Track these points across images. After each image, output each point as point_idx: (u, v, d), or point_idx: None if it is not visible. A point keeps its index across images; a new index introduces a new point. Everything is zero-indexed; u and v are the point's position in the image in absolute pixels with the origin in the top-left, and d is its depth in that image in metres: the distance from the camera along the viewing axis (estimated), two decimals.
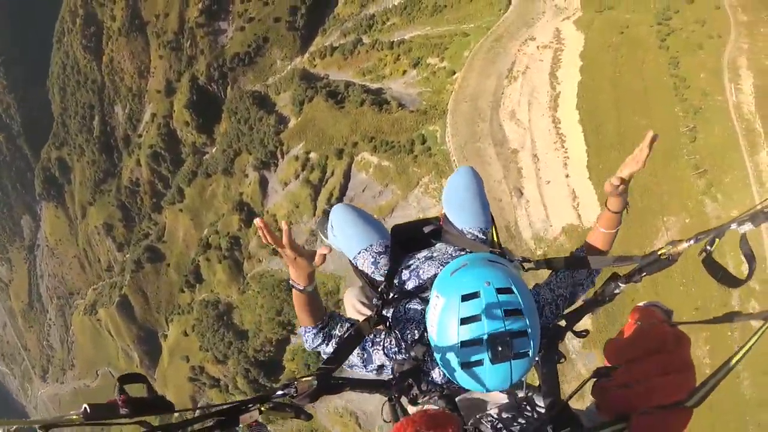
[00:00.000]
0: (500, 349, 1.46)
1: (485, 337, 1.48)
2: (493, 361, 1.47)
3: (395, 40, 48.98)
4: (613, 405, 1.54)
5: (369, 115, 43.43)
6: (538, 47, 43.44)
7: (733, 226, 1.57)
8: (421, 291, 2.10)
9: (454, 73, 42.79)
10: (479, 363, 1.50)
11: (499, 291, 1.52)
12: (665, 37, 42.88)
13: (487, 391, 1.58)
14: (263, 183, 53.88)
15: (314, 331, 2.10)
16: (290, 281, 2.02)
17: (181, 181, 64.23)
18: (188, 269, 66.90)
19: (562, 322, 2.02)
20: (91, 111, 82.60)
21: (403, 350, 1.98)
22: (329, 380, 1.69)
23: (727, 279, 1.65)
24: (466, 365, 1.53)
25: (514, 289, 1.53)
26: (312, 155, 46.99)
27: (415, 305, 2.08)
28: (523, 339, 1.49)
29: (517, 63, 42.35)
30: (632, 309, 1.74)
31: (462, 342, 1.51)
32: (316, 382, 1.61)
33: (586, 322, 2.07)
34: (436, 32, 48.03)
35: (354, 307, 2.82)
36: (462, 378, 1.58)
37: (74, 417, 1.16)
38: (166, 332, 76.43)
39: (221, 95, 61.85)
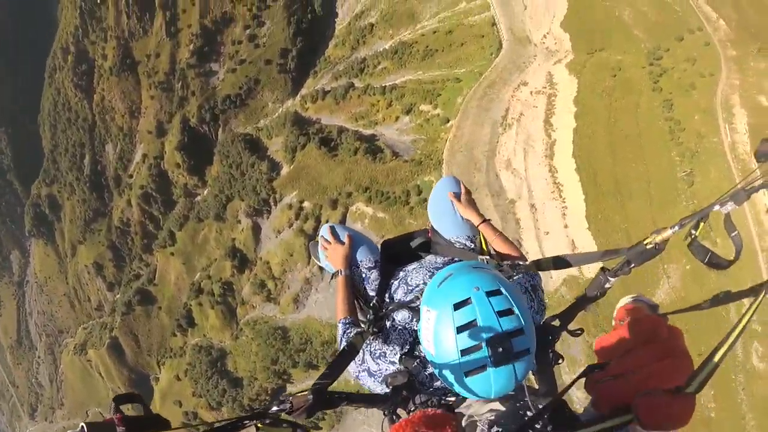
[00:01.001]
0: (501, 350, 1.46)
1: (484, 341, 1.48)
2: (495, 363, 1.47)
3: (387, 84, 48.68)
4: (608, 397, 1.50)
5: (363, 164, 42.72)
6: (531, 93, 43.23)
7: (716, 207, 1.54)
8: (410, 300, 2.10)
9: (448, 120, 42.37)
10: (482, 368, 1.50)
11: (489, 294, 1.52)
12: (657, 78, 42.81)
13: (494, 396, 1.57)
14: (256, 230, 52.88)
15: (342, 323, 2.29)
16: (333, 274, 2.53)
17: (172, 224, 63.07)
18: (180, 313, 65.34)
19: (556, 322, 2.00)
20: (81, 149, 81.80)
21: (393, 362, 2.00)
22: (325, 395, 1.70)
23: (714, 261, 1.62)
24: (470, 373, 1.51)
25: (503, 290, 1.54)
26: (306, 204, 46.08)
27: (403, 315, 2.07)
28: (521, 337, 1.50)
29: (511, 110, 42.03)
30: (617, 310, 1.67)
31: (462, 350, 1.50)
32: (311, 397, 1.62)
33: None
34: (428, 77, 47.85)
35: None
36: (466, 387, 1.56)
37: None
38: (157, 375, 74.46)
39: (212, 137, 61.22)
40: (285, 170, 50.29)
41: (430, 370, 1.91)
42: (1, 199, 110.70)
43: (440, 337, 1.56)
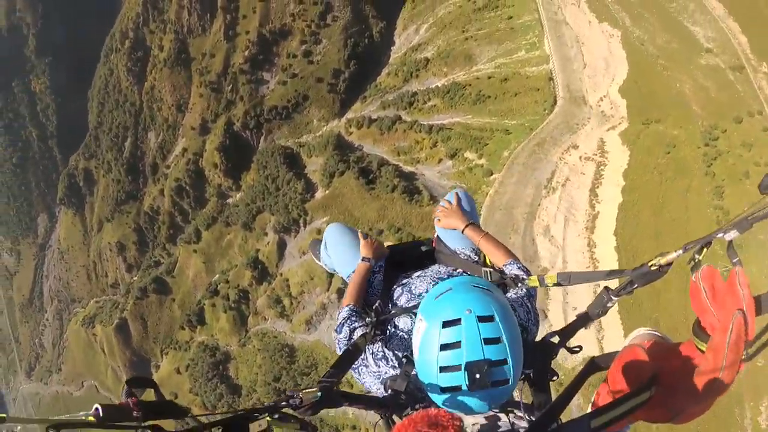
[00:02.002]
0: (478, 377, 1.47)
1: (463, 364, 1.49)
2: (470, 388, 1.49)
3: (434, 124, 48.37)
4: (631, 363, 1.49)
5: (398, 204, 42.39)
6: (580, 158, 42.31)
7: (720, 234, 1.59)
8: (412, 307, 2.13)
9: (491, 173, 41.75)
10: (457, 388, 1.52)
11: (481, 319, 1.52)
12: (711, 161, 41.51)
13: (464, 414, 1.59)
14: (281, 246, 53.06)
15: (348, 309, 2.30)
16: (362, 258, 2.57)
17: (200, 223, 63.91)
18: (192, 309, 65.85)
19: (555, 339, 1.99)
20: (124, 132, 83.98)
21: (394, 366, 2.02)
22: (332, 393, 1.72)
23: None
24: (445, 390, 1.54)
25: (497, 317, 1.53)
26: None
27: (405, 322, 2.11)
28: (503, 367, 1.50)
29: (557, 173, 41.17)
30: (617, 358, 1.65)
31: (441, 367, 1.53)
32: (320, 394, 1.63)
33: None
34: (476, 123, 47.36)
35: None
36: (440, 401, 1.59)
37: (85, 418, 1.15)
38: (159, 363, 75.10)
39: (254, 144, 62.00)
40: (320, 193, 50.40)
41: None
42: (39, 163, 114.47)
43: (424, 349, 1.58)
